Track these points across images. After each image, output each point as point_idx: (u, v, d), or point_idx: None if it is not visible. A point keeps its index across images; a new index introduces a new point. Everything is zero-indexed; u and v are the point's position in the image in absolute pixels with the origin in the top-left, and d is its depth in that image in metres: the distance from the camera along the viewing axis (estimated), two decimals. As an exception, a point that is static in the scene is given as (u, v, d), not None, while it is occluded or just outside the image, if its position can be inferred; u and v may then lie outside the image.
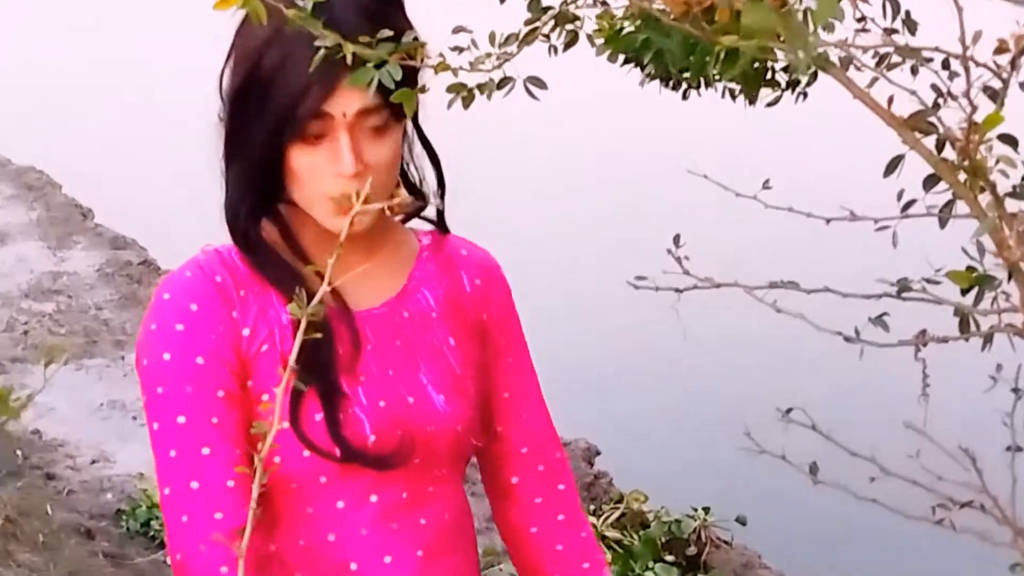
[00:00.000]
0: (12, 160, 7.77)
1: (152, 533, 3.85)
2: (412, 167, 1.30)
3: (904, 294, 0.95)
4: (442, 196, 1.31)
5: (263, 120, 1.15)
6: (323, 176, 1.17)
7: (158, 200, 7.78)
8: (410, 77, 1.02)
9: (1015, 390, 0.95)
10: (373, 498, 1.21)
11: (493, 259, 1.38)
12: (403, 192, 1.26)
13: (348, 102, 1.13)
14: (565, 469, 1.38)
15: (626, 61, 3.00)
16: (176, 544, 1.14)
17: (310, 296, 1.02)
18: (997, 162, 0.80)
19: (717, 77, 2.84)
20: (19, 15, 13.69)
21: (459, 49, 0.97)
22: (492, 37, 0.94)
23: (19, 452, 4.19)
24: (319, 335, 1.02)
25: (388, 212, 1.19)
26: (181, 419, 1.13)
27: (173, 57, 11.14)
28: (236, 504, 1.14)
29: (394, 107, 1.11)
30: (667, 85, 3.11)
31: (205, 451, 1.14)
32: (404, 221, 1.34)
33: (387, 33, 0.94)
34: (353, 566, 1.22)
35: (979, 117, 0.79)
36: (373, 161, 1.17)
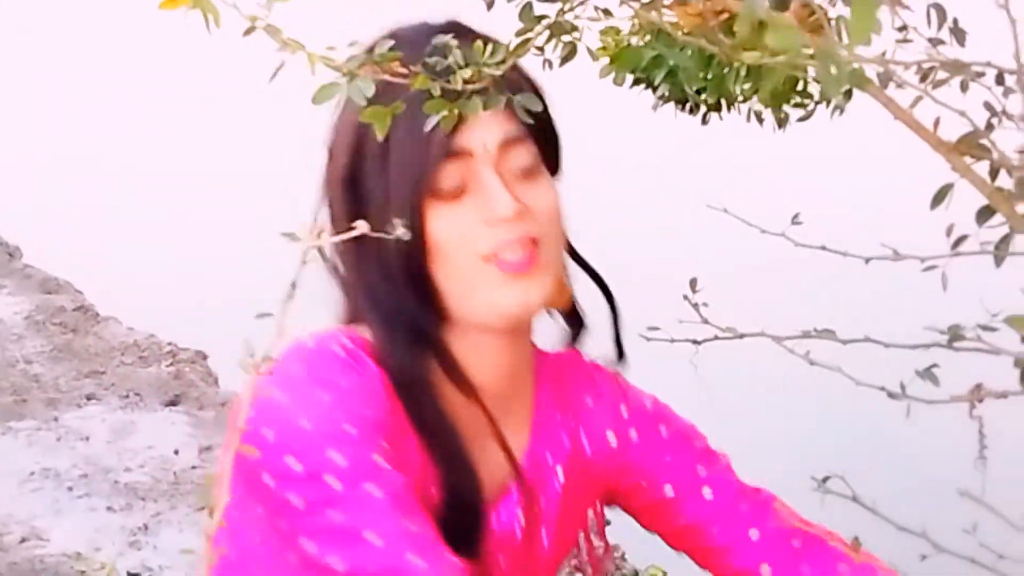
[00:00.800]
0: None
1: None
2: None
3: (956, 343, 0.96)
4: (615, 322, 1.31)
5: (385, 186, 1.13)
6: (474, 234, 1.14)
7: (95, 237, 8.02)
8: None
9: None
10: None
11: (616, 383, 1.37)
12: (572, 291, 1.28)
13: (487, 132, 1.12)
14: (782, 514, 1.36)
15: (636, 82, 3.02)
16: None
17: (468, 468, 1.15)
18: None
19: (740, 97, 2.90)
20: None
21: (438, 62, 0.95)
22: (478, 48, 0.94)
23: None
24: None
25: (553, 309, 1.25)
26: (379, 492, 1.16)
27: (108, 90, 12.04)
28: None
29: (543, 146, 1.14)
30: (683, 108, 3.12)
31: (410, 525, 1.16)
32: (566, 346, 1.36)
33: (357, 45, 0.93)
34: None
35: (1039, 140, 0.84)
36: (534, 205, 1.15)
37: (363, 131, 1.08)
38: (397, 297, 1.18)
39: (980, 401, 0.96)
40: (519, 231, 1.13)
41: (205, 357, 6.51)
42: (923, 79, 0.89)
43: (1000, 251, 0.88)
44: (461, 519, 1.19)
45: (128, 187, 9.08)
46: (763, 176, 6.93)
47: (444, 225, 1.12)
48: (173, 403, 5.85)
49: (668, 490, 1.33)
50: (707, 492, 1.33)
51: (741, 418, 5.80)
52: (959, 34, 0.90)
